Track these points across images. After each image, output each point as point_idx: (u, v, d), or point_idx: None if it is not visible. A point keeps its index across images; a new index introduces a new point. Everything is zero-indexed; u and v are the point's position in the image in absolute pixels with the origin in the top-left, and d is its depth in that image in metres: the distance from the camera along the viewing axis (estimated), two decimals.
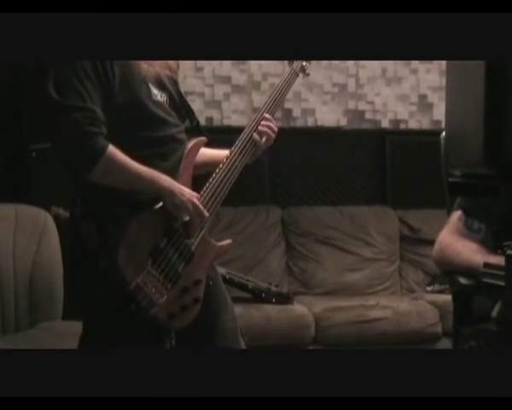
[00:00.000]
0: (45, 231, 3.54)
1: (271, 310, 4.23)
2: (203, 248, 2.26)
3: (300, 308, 4.33)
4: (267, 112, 2.47)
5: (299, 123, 5.10)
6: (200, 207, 2.21)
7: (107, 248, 2.10)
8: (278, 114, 4.98)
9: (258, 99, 4.95)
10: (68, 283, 3.32)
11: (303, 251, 4.88)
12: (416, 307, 4.40)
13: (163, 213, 2.18)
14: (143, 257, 2.12)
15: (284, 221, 4.95)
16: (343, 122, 5.16)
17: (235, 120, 4.94)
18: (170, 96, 2.31)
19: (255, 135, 2.42)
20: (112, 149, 2.10)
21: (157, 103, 2.24)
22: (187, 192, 2.20)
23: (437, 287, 4.69)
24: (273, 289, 4.38)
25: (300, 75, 2.61)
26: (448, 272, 2.46)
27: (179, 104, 2.36)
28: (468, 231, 2.44)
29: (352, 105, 5.15)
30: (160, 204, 2.18)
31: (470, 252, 2.36)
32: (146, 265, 2.11)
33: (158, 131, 2.24)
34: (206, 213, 2.22)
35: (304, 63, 2.59)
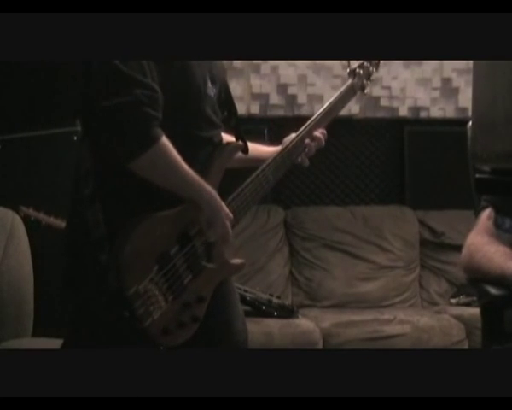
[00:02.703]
0: (13, 235, 3.53)
1: (273, 325, 4.23)
2: (215, 264, 2.27)
3: (306, 323, 4.33)
4: (316, 127, 2.55)
5: (305, 111, 5.09)
6: (230, 231, 2.25)
7: (112, 241, 2.09)
8: (281, 101, 4.98)
9: (258, 84, 4.95)
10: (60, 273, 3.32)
11: (309, 257, 4.88)
12: (439, 322, 4.40)
13: (180, 217, 2.18)
14: (150, 262, 2.11)
15: (287, 223, 4.96)
16: (355, 110, 5.16)
17: None
18: (219, 91, 2.31)
19: (308, 141, 2.52)
20: (165, 140, 2.07)
21: (209, 98, 2.24)
22: (224, 212, 2.22)
23: (463, 299, 4.70)
24: (275, 301, 4.38)
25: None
26: (476, 281, 2.46)
27: (225, 99, 2.36)
28: (498, 231, 2.43)
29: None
30: (180, 207, 2.18)
31: (503, 258, 2.35)
32: (151, 271, 2.10)
33: (201, 130, 2.23)
34: (231, 238, 2.26)
35: (364, 81, 2.72)
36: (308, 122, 2.55)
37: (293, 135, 2.54)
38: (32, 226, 3.59)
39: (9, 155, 4.04)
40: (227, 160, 2.33)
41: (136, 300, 2.07)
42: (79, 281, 2.21)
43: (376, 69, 2.72)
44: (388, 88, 5.16)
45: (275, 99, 5.00)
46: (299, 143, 2.51)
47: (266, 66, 4.96)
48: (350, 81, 2.67)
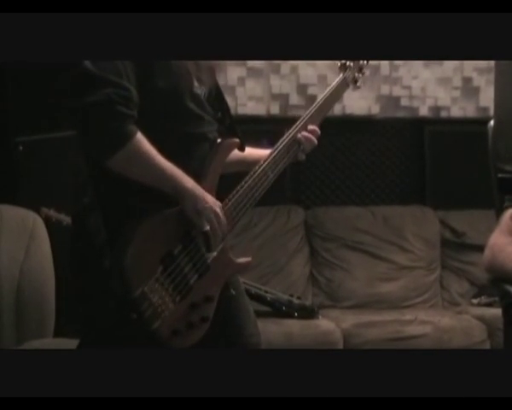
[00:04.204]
0: (34, 236, 3.55)
1: (293, 325, 4.23)
2: (220, 263, 2.27)
3: (326, 324, 4.32)
4: (310, 122, 2.55)
5: None
6: (223, 218, 2.22)
7: (114, 245, 2.11)
8: (301, 101, 4.97)
9: (278, 84, 4.95)
10: (65, 283, 3.32)
11: (329, 258, 4.88)
12: (460, 323, 4.38)
13: (181, 217, 2.19)
14: (153, 262, 2.12)
15: (308, 224, 4.95)
16: (375, 110, 5.15)
17: (251, 108, 4.92)
18: (209, 91, 2.35)
19: (300, 136, 2.50)
20: (140, 136, 2.10)
21: (196, 97, 2.27)
22: (210, 199, 2.21)
23: (484, 299, 4.67)
24: (295, 301, 4.38)
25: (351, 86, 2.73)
26: (499, 282, 2.45)
27: (216, 100, 2.40)
28: None
29: (385, 90, 5.14)
30: (180, 206, 2.19)
31: None
32: (155, 271, 2.11)
33: (191, 127, 2.26)
34: (222, 230, 2.23)
35: (356, 74, 2.71)
36: (301, 118, 2.57)
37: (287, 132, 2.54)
38: (53, 227, 3.60)
39: (30, 157, 4.06)
40: (224, 156, 2.34)
41: (144, 301, 2.08)
42: (86, 289, 2.24)
43: (367, 62, 2.72)
44: (408, 88, 5.14)
45: (295, 99, 4.99)
46: (294, 139, 2.50)
47: (286, 66, 4.96)
48: (341, 75, 2.68)
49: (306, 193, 5.13)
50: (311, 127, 2.54)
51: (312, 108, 2.59)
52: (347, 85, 2.69)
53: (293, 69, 4.93)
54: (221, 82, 4.96)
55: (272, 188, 4.70)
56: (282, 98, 4.97)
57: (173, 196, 2.17)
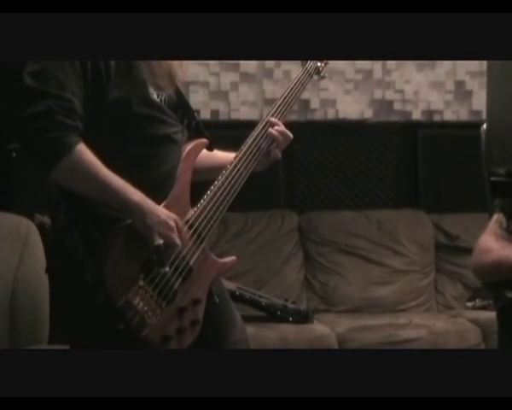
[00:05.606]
0: (28, 242, 3.55)
1: (288, 330, 4.22)
2: (203, 264, 2.27)
3: (321, 328, 4.32)
4: (277, 116, 2.50)
5: (318, 115, 5.10)
6: (175, 231, 2.17)
7: (93, 259, 2.11)
8: (294, 106, 4.96)
9: (271, 89, 4.96)
10: (51, 299, 3.31)
11: (323, 262, 4.88)
12: (455, 326, 4.39)
13: None
14: (135, 270, 2.11)
15: (302, 228, 4.95)
16: (368, 114, 5.16)
17: (244, 113, 4.94)
18: (168, 96, 2.35)
19: (273, 131, 2.46)
20: (82, 147, 2.09)
21: (152, 102, 2.27)
22: (162, 213, 2.17)
23: (479, 302, 4.68)
24: (290, 306, 4.38)
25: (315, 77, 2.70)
26: (491, 285, 2.45)
27: (178, 104, 2.40)
28: (509, 236, 2.42)
29: (378, 94, 5.15)
30: None
31: (501, 248, 2.34)
32: (137, 279, 2.11)
33: (152, 130, 2.26)
34: (179, 242, 2.18)
35: (319, 64, 2.68)
36: (271, 110, 2.53)
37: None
38: (46, 234, 3.60)
39: (23, 163, 4.06)
40: (193, 157, 2.34)
41: (129, 310, 2.07)
42: (69, 305, 2.23)
43: None
44: (401, 91, 5.15)
45: None
46: (263, 132, 2.47)
47: (279, 71, 4.96)
48: (304, 66, 2.66)
49: (300, 198, 5.13)
50: (274, 120, 2.50)
51: (278, 102, 2.55)
52: (310, 76, 2.66)
53: (286, 74, 4.93)
54: (213, 88, 5.00)
55: (266, 193, 4.70)
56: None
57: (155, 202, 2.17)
